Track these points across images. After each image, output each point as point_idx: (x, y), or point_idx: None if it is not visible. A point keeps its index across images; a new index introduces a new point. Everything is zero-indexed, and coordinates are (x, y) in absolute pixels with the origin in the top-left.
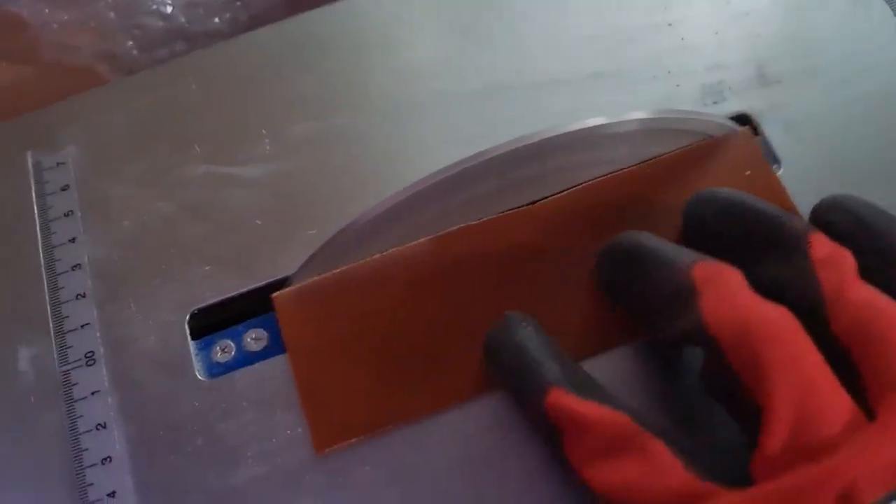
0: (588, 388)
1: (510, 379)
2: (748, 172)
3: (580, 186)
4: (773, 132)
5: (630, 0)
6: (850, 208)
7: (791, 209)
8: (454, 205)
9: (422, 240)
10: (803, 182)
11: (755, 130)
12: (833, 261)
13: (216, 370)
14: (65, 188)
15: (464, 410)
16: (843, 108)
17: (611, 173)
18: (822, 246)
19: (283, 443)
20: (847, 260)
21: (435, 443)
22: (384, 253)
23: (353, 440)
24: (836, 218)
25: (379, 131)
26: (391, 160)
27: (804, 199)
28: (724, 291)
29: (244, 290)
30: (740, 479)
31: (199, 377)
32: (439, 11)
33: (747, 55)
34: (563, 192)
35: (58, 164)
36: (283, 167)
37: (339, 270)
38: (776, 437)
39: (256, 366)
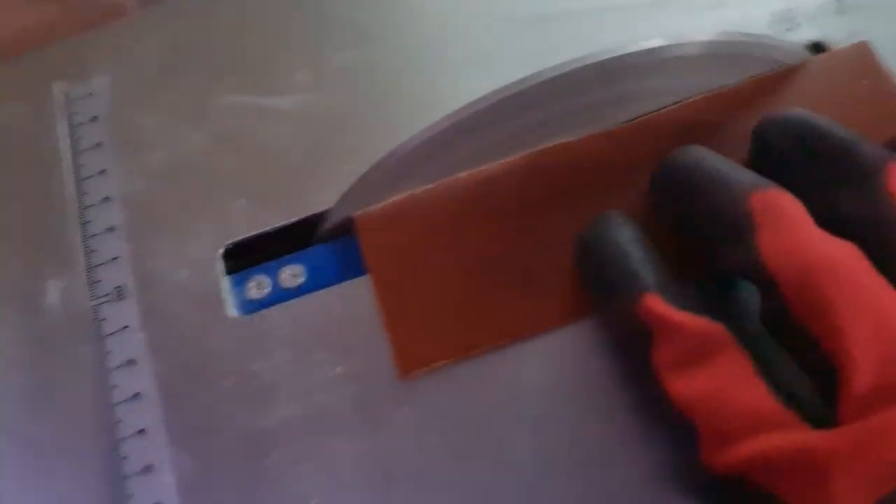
0: (686, 299)
1: (602, 279)
2: (865, 82)
3: (674, 106)
4: None
5: None
6: None
7: None
8: (501, 134)
9: (509, 158)
10: None
11: None
12: None
13: (250, 307)
14: (94, 119)
15: (555, 336)
16: None
17: (705, 94)
18: None
19: (319, 384)
20: None
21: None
22: (470, 172)
23: (440, 364)
24: None
25: (422, 59)
26: (435, 90)
27: None
28: (784, 226)
29: (281, 224)
30: (816, 419)
31: (233, 313)
32: None
33: None
34: (657, 111)
35: (87, 94)
36: (321, 98)
37: (421, 190)
38: (858, 380)
39: (292, 303)
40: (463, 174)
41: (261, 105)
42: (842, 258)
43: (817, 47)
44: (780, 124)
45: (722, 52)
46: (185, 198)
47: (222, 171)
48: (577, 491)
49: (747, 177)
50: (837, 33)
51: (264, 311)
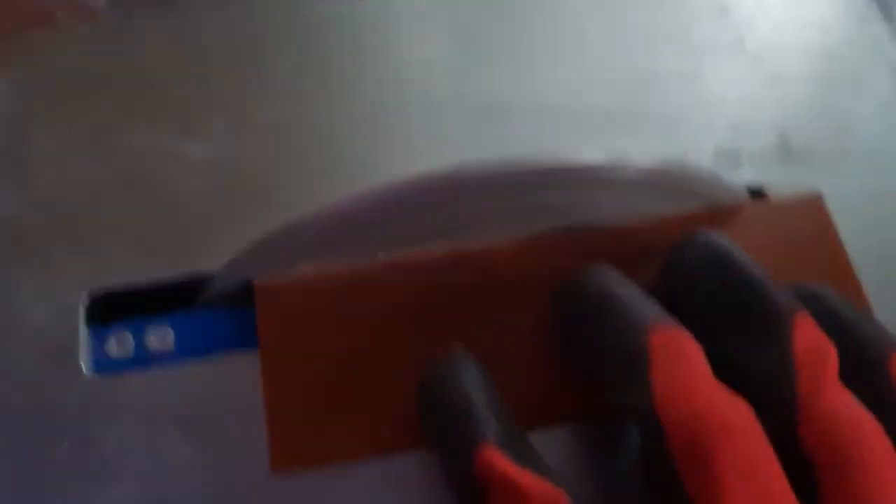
0: (527, 455)
1: (439, 427)
2: (808, 231)
3: (599, 226)
4: None
5: (654, 40)
6: (823, 300)
7: (854, 286)
8: (417, 224)
9: (437, 250)
10: None
11: None
12: (817, 354)
13: (106, 366)
14: None
15: None
16: (875, 199)
17: (636, 219)
18: (808, 333)
19: (166, 468)
20: (831, 356)
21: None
22: (391, 258)
23: (315, 464)
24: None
25: (352, 130)
26: (358, 165)
27: None
28: (681, 370)
29: (159, 278)
30: None
31: (85, 370)
32: (444, 12)
33: (773, 122)
34: (579, 228)
35: None
36: (235, 152)
37: (335, 269)
38: None
39: (154, 370)
40: (378, 261)
41: (169, 148)
42: (737, 420)
43: (756, 192)
44: (694, 246)
45: (665, 181)
46: (63, 232)
47: (110, 210)
48: None
49: (652, 310)
50: (779, 179)
51: (120, 374)
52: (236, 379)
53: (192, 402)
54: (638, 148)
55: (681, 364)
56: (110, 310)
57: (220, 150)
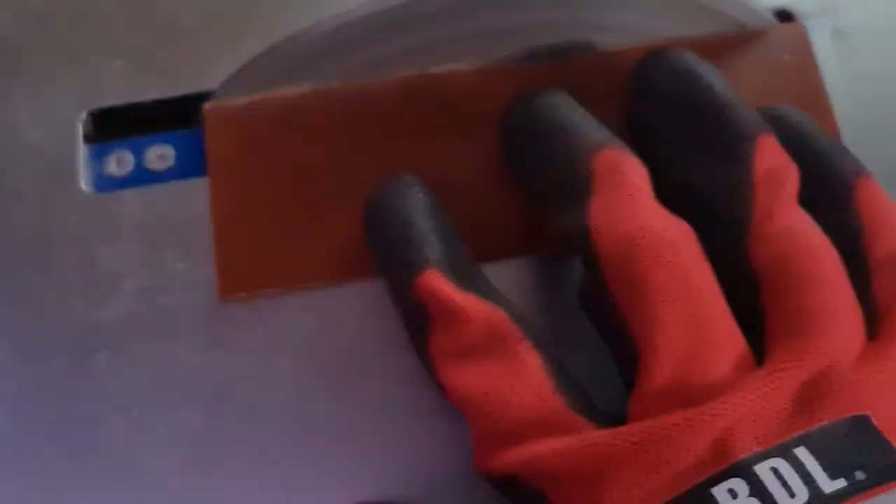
0: (473, 280)
1: (383, 252)
2: (787, 57)
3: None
4: (818, 39)
5: None
6: (793, 123)
7: (828, 115)
8: (425, 40)
9: (398, 75)
10: (839, 104)
11: None
12: (777, 175)
13: (106, 184)
14: None
15: None
16: None
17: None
18: (770, 154)
19: (165, 282)
20: (791, 177)
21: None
22: (351, 81)
23: (263, 292)
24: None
25: None
26: None
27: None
28: (619, 193)
29: (158, 96)
30: (618, 418)
31: (85, 188)
32: None
33: None
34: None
35: None
36: None
37: (293, 92)
38: (656, 375)
39: (154, 187)
40: (337, 85)
41: None
42: (670, 238)
43: (783, 14)
44: (659, 64)
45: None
46: (58, 47)
47: (106, 24)
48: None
49: (598, 134)
50: (810, 3)
51: (120, 192)
52: None
53: (189, 221)
54: None
55: (620, 188)
56: (109, 128)
57: None
